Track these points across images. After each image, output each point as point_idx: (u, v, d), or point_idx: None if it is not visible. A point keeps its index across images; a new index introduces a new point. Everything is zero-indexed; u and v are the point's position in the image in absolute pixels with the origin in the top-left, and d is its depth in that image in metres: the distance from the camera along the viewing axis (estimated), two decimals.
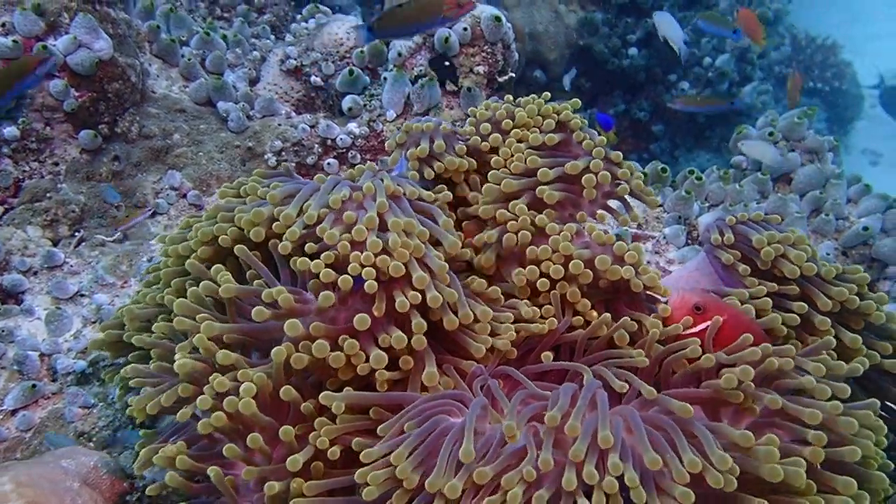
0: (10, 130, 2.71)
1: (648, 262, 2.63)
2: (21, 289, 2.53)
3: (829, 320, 1.81)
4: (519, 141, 1.99)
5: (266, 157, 3.06)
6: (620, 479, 1.31)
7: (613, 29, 5.56)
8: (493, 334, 1.65)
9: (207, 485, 1.57)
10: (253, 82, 3.37)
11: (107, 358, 2.29)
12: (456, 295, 1.58)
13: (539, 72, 5.24)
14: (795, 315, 1.81)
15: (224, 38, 3.39)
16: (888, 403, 1.85)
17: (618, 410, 1.47)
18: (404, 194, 1.72)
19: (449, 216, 1.78)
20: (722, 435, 1.41)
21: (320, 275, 1.54)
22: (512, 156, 1.97)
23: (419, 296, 1.54)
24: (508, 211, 1.87)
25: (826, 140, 3.28)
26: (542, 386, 1.60)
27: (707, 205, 3.12)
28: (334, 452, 1.49)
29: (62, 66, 2.72)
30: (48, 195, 2.76)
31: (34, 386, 2.28)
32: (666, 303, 1.79)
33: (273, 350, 1.52)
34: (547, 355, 1.70)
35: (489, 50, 3.21)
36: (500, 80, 3.29)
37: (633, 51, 5.60)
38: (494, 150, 2.01)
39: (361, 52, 3.24)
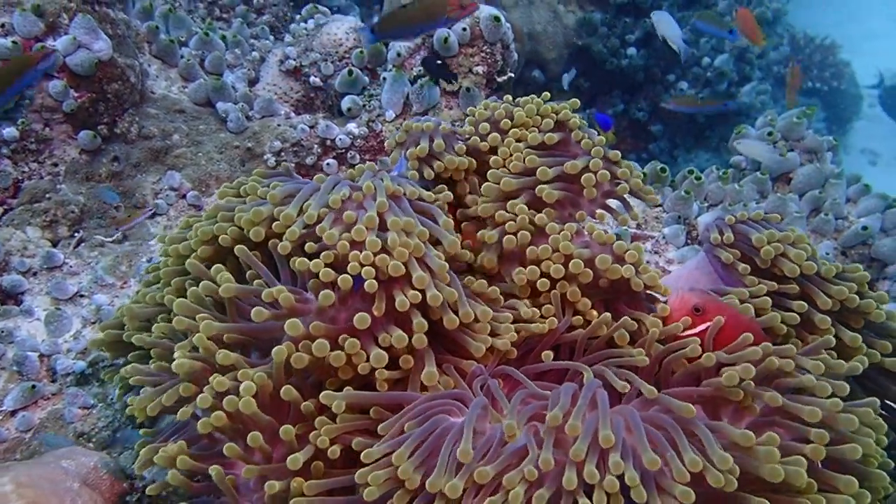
0: (10, 131, 2.70)
1: (648, 262, 2.63)
2: (20, 289, 2.53)
3: (829, 319, 1.82)
4: (518, 140, 1.99)
5: (265, 157, 3.06)
6: (621, 478, 1.31)
7: (612, 29, 5.57)
8: (493, 334, 1.65)
9: (208, 484, 1.57)
10: (252, 83, 3.38)
11: (106, 358, 2.29)
12: (456, 294, 1.58)
13: (538, 72, 5.24)
14: (795, 314, 1.81)
15: (223, 38, 3.39)
16: (888, 402, 1.85)
17: (618, 410, 1.47)
18: (404, 194, 1.72)
19: (449, 217, 1.78)
20: (722, 434, 1.41)
21: (320, 274, 1.54)
22: (511, 155, 1.97)
23: (419, 295, 1.54)
24: (507, 211, 1.87)
25: (825, 140, 3.28)
26: (541, 385, 1.60)
27: (706, 204, 3.12)
28: (334, 451, 1.49)
29: (61, 67, 2.72)
30: (47, 196, 2.76)
31: (34, 387, 2.28)
32: (665, 302, 1.79)
33: (274, 349, 1.52)
34: (547, 354, 1.71)
35: (488, 50, 3.21)
36: (500, 80, 3.29)
37: (631, 51, 5.61)
38: (493, 150, 2.01)
39: (360, 52, 3.24)
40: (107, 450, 2.19)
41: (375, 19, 4.20)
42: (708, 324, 1.70)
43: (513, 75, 3.36)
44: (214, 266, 1.66)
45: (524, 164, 1.93)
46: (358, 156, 3.15)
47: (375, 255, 1.53)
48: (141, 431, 1.79)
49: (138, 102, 3.01)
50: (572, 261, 1.74)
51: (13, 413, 2.26)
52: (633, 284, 1.73)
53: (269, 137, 3.08)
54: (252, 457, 1.53)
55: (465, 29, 3.14)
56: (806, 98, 7.36)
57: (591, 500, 1.31)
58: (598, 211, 1.95)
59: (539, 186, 1.88)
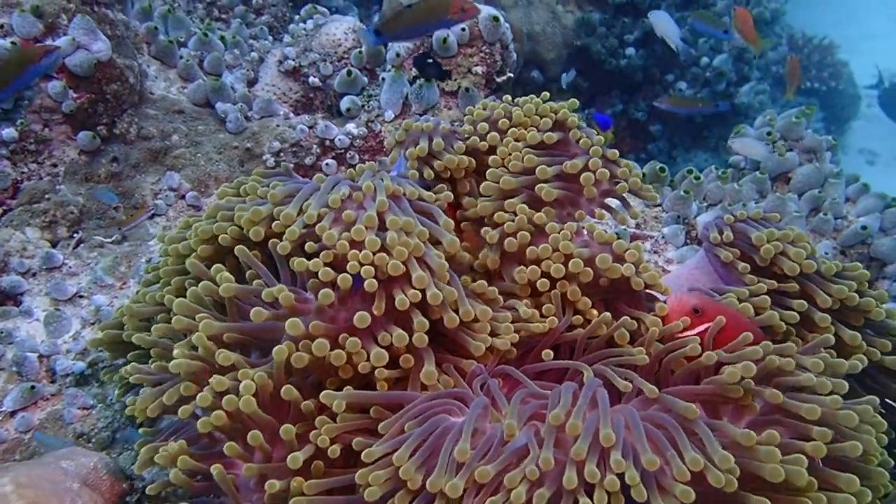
0: (9, 132, 2.70)
1: (647, 262, 2.64)
2: (20, 290, 2.53)
3: (829, 317, 1.82)
4: (516, 140, 1.99)
5: (264, 157, 3.06)
6: (622, 476, 1.31)
7: (611, 29, 5.57)
8: (492, 334, 1.65)
9: (208, 484, 1.57)
10: (251, 83, 3.38)
11: (105, 359, 2.29)
12: (456, 293, 1.58)
13: (536, 72, 5.24)
14: (795, 313, 1.82)
15: (222, 39, 3.39)
16: (888, 401, 1.85)
17: (618, 409, 1.47)
18: (404, 194, 1.72)
19: (449, 217, 1.78)
20: (723, 433, 1.41)
21: (319, 273, 1.54)
22: (510, 154, 1.97)
23: (419, 294, 1.54)
24: (506, 211, 1.87)
25: (824, 139, 3.29)
26: (541, 385, 1.60)
27: (705, 204, 3.12)
28: (335, 451, 1.49)
29: (60, 68, 2.72)
30: (47, 196, 2.75)
31: (33, 387, 2.27)
32: (665, 302, 1.79)
33: (274, 349, 1.52)
34: (547, 353, 1.71)
35: (487, 50, 3.22)
36: (499, 80, 3.30)
37: (630, 51, 5.61)
38: (492, 150, 2.01)
39: (359, 52, 3.24)
40: (106, 450, 2.19)
41: (376, 18, 4.21)
42: (707, 325, 1.70)
43: (512, 75, 3.37)
44: (214, 266, 1.66)
45: (523, 163, 1.93)
46: (357, 156, 3.15)
47: (375, 254, 1.53)
48: (141, 431, 1.79)
49: (137, 103, 3.01)
50: (572, 260, 1.74)
51: (12, 414, 2.26)
52: (633, 283, 1.73)
53: (269, 138, 3.08)
54: (252, 456, 1.53)
55: (464, 29, 3.14)
56: (804, 98, 7.36)
57: (591, 500, 1.31)
58: (598, 210, 1.96)
59: (538, 185, 1.88)
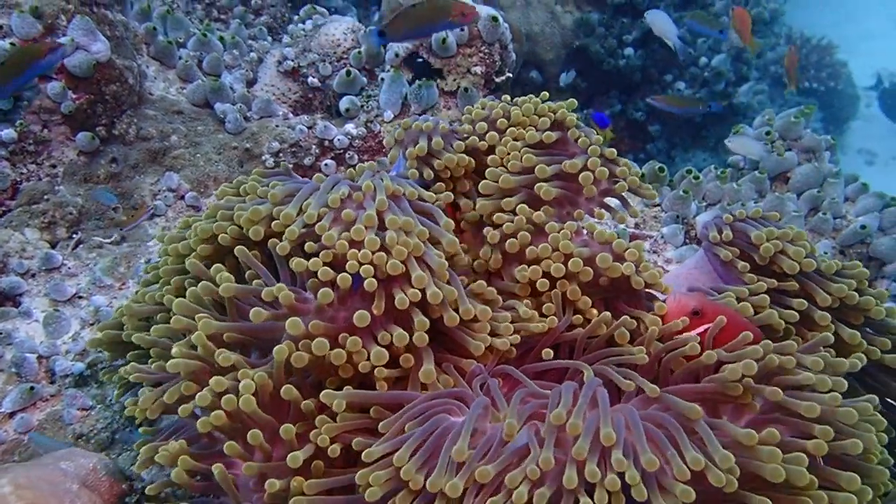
0: (8, 133, 2.70)
1: (647, 261, 2.64)
2: (19, 291, 2.53)
3: (829, 316, 1.82)
4: (515, 140, 1.99)
5: (263, 158, 3.06)
6: (622, 476, 1.31)
7: (609, 29, 5.57)
8: (492, 334, 1.65)
9: (208, 483, 1.57)
10: (250, 84, 3.38)
11: (105, 360, 2.29)
12: (456, 292, 1.58)
13: (535, 72, 5.24)
14: (794, 311, 1.82)
15: (221, 39, 3.39)
16: (888, 400, 1.85)
17: (618, 409, 1.47)
18: (404, 194, 1.72)
19: (450, 218, 1.78)
20: (724, 432, 1.41)
21: (318, 273, 1.54)
22: (508, 154, 1.97)
23: (419, 294, 1.54)
24: (505, 212, 1.87)
25: (823, 139, 3.29)
26: (541, 385, 1.60)
27: (704, 204, 3.12)
28: (335, 450, 1.48)
29: (60, 68, 2.72)
30: (46, 197, 2.75)
31: (32, 388, 2.27)
32: (664, 301, 1.79)
33: (275, 348, 1.51)
34: (547, 352, 1.71)
35: (486, 50, 3.22)
36: (498, 80, 3.30)
37: (629, 51, 5.62)
38: (491, 150, 2.02)
39: (358, 52, 3.24)
40: (106, 451, 2.19)
41: (377, 18, 4.22)
42: (706, 326, 1.70)
43: (511, 76, 3.37)
44: (214, 266, 1.66)
45: (522, 163, 1.93)
46: (356, 156, 3.15)
47: (374, 253, 1.53)
48: (141, 430, 1.79)
49: (136, 104, 3.01)
50: (572, 259, 1.74)
51: (12, 414, 2.26)
52: (633, 282, 1.73)
53: (268, 138, 3.08)
54: (252, 455, 1.53)
55: (462, 29, 3.14)
56: (803, 98, 7.37)
57: (591, 499, 1.31)
58: (597, 210, 1.96)
59: (537, 184, 1.88)
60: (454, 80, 3.21)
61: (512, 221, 1.84)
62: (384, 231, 1.58)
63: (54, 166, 2.83)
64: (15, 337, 2.38)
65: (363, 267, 1.52)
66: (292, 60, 3.31)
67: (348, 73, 3.19)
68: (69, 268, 2.64)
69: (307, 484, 1.47)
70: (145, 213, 2.84)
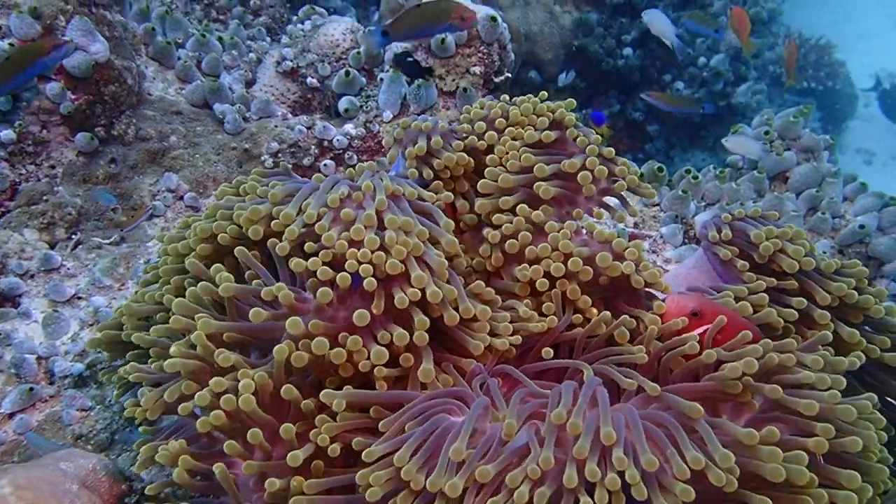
0: (7, 133, 2.70)
1: (647, 261, 2.64)
2: (18, 292, 2.53)
3: (828, 314, 1.82)
4: (514, 139, 1.99)
5: (262, 158, 3.06)
6: (622, 475, 1.31)
7: (608, 29, 5.57)
8: (492, 334, 1.65)
9: (208, 483, 1.57)
10: (249, 84, 3.37)
11: (104, 361, 2.29)
12: (455, 291, 1.58)
13: (534, 72, 5.24)
14: (794, 310, 1.82)
15: (220, 40, 3.39)
16: (888, 399, 1.85)
17: (618, 408, 1.47)
18: (404, 194, 1.72)
19: (449, 218, 1.78)
20: (724, 431, 1.41)
21: (318, 272, 1.54)
22: (507, 153, 1.97)
23: (419, 293, 1.54)
24: (503, 211, 1.88)
25: (822, 139, 3.29)
26: (541, 384, 1.60)
27: (703, 204, 3.13)
28: (334, 450, 1.49)
29: (59, 69, 2.72)
30: (45, 198, 2.75)
31: (31, 389, 2.27)
32: (664, 300, 1.79)
33: (275, 348, 1.51)
34: (547, 351, 1.71)
35: (485, 50, 3.22)
36: (497, 80, 3.30)
37: (627, 51, 5.62)
38: (490, 149, 2.02)
39: (357, 53, 3.24)
40: (105, 452, 2.19)
41: (376, 18, 4.22)
42: (706, 327, 1.70)
43: (510, 76, 3.37)
44: (214, 266, 1.66)
45: (520, 162, 1.93)
46: (355, 157, 3.15)
47: (373, 252, 1.53)
48: (140, 430, 1.79)
49: (135, 104, 3.01)
50: (571, 259, 1.74)
51: (11, 415, 2.26)
52: (633, 281, 1.73)
53: (267, 139, 3.08)
54: (252, 455, 1.53)
55: (462, 31, 3.14)
56: (801, 98, 7.38)
57: (592, 498, 1.31)
58: (596, 209, 1.96)
59: (536, 183, 1.88)
60: (453, 80, 3.21)
61: (511, 222, 1.84)
62: (384, 231, 1.59)
63: (53, 167, 2.82)
64: (14, 338, 2.38)
65: (362, 266, 1.52)
66: (291, 61, 3.31)
67: (347, 73, 3.19)
68: (68, 268, 2.64)
69: (307, 483, 1.47)
70: (144, 213, 2.84)
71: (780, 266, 1.87)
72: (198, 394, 1.51)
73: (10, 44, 2.63)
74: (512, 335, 1.67)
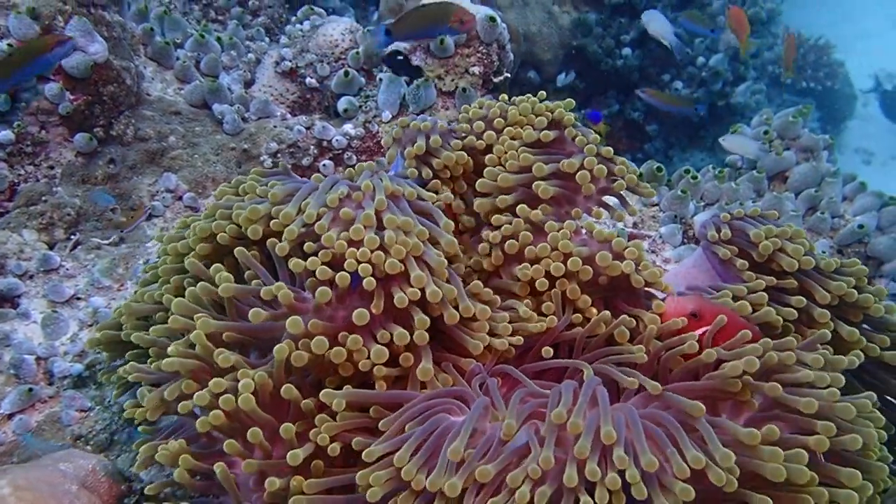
0: (6, 134, 2.70)
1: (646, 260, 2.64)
2: (17, 292, 2.52)
3: (828, 313, 1.82)
4: (512, 139, 1.99)
5: (262, 158, 3.06)
6: (622, 474, 1.31)
7: (607, 29, 5.57)
8: (491, 334, 1.65)
9: (207, 483, 1.57)
10: (248, 84, 3.37)
11: (103, 361, 2.28)
12: (455, 291, 1.58)
13: (533, 73, 5.24)
14: (793, 309, 1.82)
15: (219, 40, 3.39)
16: (888, 397, 1.85)
17: (618, 407, 1.47)
18: (403, 194, 1.72)
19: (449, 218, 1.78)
20: (724, 430, 1.41)
21: (316, 272, 1.54)
22: (506, 153, 1.97)
23: (418, 293, 1.54)
24: (501, 211, 1.88)
25: (821, 138, 3.29)
26: (540, 384, 1.60)
27: (702, 204, 3.13)
28: (334, 449, 1.49)
29: (57, 70, 2.71)
30: (44, 199, 2.75)
31: (31, 390, 2.27)
32: (663, 300, 1.79)
33: (275, 347, 1.51)
34: (547, 350, 1.71)
35: (484, 51, 3.22)
36: (496, 80, 3.30)
37: (626, 51, 5.62)
38: (488, 149, 2.02)
39: (356, 53, 3.24)
40: (104, 452, 2.18)
41: (375, 18, 4.23)
42: (705, 328, 1.70)
43: (509, 76, 3.37)
44: (213, 266, 1.66)
45: (519, 161, 1.93)
46: (354, 157, 3.15)
47: (372, 252, 1.53)
48: (140, 429, 1.79)
49: (134, 104, 3.01)
50: (571, 258, 1.74)
51: (10, 416, 2.25)
52: (633, 281, 1.73)
53: (266, 139, 3.08)
54: (252, 454, 1.53)
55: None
56: (800, 98, 7.38)
57: (592, 498, 1.31)
58: (595, 209, 1.96)
59: (535, 182, 1.88)
60: (452, 80, 3.21)
61: (511, 223, 1.84)
62: (383, 231, 1.59)
63: (52, 167, 2.82)
64: (13, 338, 2.38)
65: (361, 266, 1.52)
66: (290, 61, 3.31)
67: (346, 73, 3.19)
68: (67, 269, 2.64)
69: (307, 483, 1.47)
70: (143, 214, 2.84)
71: (780, 265, 1.88)
72: (197, 394, 1.51)
73: (9, 44, 2.63)
74: (512, 335, 1.67)
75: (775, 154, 3.20)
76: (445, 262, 1.60)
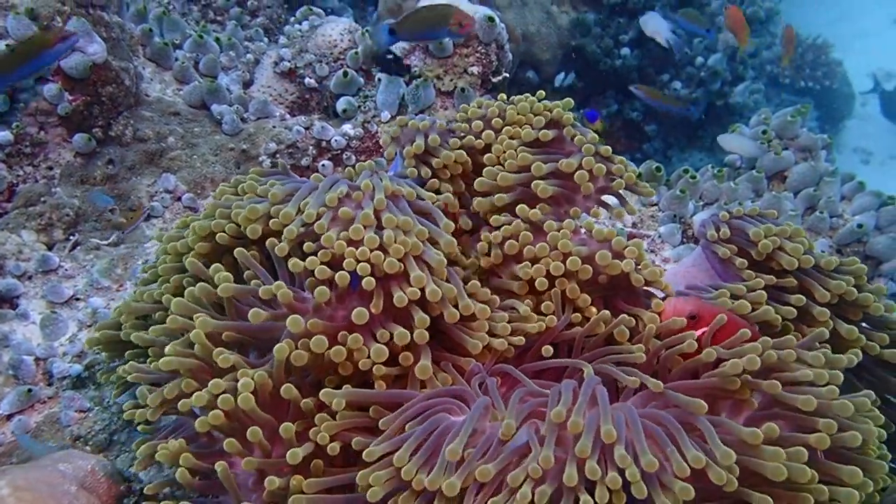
0: (4, 135, 2.70)
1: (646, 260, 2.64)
2: (16, 293, 2.52)
3: (828, 312, 1.82)
4: (511, 138, 1.99)
5: (260, 159, 3.06)
6: (622, 473, 1.31)
7: (605, 29, 5.57)
8: (490, 334, 1.65)
9: (207, 482, 1.57)
10: (247, 85, 3.37)
11: (102, 362, 2.28)
12: (455, 290, 1.58)
13: (532, 73, 5.24)
14: (793, 308, 1.82)
15: (217, 40, 3.39)
16: (887, 395, 1.86)
17: (617, 406, 1.47)
18: (402, 194, 1.72)
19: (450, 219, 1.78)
20: (725, 429, 1.41)
21: (315, 271, 1.54)
22: (504, 152, 1.97)
23: (418, 292, 1.54)
24: (500, 210, 1.88)
25: (819, 138, 3.29)
26: (540, 383, 1.60)
27: (702, 203, 3.13)
28: (334, 448, 1.49)
29: (56, 70, 2.71)
30: (42, 199, 2.75)
31: (30, 390, 2.27)
32: (663, 299, 1.79)
33: (275, 347, 1.51)
34: (547, 349, 1.71)
35: (483, 50, 3.22)
36: (494, 80, 3.30)
37: (625, 51, 5.62)
38: (487, 148, 2.02)
39: (355, 53, 3.24)
40: (104, 453, 2.18)
41: (374, 18, 4.24)
42: (703, 330, 1.70)
43: (507, 76, 3.37)
44: (213, 265, 1.66)
45: (518, 161, 1.93)
46: (353, 157, 3.15)
47: (371, 251, 1.53)
48: (140, 428, 1.79)
49: (133, 105, 3.01)
50: (570, 258, 1.74)
51: (9, 417, 2.25)
52: (632, 280, 1.73)
53: (265, 139, 3.08)
54: (251, 453, 1.53)
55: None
56: (798, 97, 7.38)
57: (592, 497, 1.31)
58: (594, 208, 1.96)
59: (534, 182, 1.89)
60: (451, 80, 3.21)
61: (510, 223, 1.84)
62: (382, 230, 1.59)
63: (51, 168, 2.82)
64: (12, 339, 2.38)
65: (360, 265, 1.52)
66: (289, 61, 3.31)
67: (345, 73, 3.19)
68: (66, 270, 2.63)
69: (306, 482, 1.47)
70: (142, 214, 2.84)
71: (779, 264, 1.88)
72: (196, 394, 1.51)
73: (8, 45, 2.62)
74: (511, 335, 1.67)
75: (774, 154, 3.20)
76: (445, 261, 1.60)
